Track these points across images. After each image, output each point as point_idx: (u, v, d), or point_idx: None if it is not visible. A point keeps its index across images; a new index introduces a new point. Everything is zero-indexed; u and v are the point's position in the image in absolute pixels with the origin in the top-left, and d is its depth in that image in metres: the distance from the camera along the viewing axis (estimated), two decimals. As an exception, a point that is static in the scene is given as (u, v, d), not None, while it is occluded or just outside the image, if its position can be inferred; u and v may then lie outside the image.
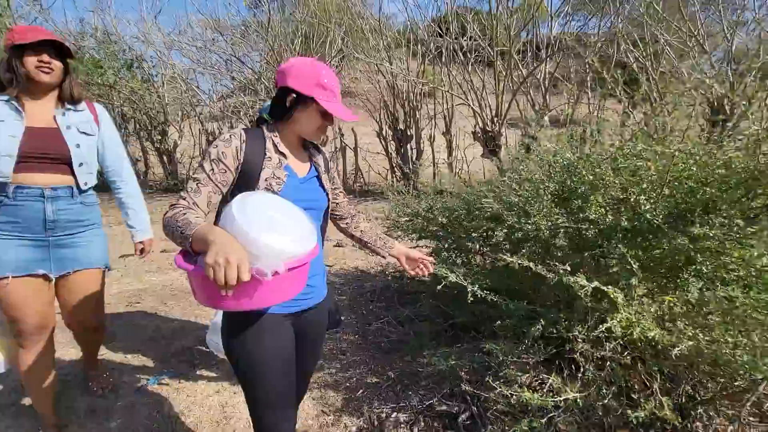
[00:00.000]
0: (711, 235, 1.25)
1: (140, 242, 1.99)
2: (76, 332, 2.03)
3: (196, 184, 1.15)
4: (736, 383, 1.37)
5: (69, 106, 1.74)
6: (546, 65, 5.92)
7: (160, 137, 8.29)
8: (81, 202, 1.78)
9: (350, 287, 3.39)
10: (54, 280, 1.77)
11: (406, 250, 1.48)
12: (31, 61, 1.59)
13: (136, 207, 1.98)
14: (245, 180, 1.19)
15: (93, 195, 1.86)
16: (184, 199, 1.13)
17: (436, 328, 2.30)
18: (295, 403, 1.41)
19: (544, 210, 1.59)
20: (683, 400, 1.50)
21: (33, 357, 1.79)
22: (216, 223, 1.08)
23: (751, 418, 1.48)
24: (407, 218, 2.29)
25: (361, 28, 6.94)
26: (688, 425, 1.47)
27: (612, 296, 1.27)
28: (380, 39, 6.64)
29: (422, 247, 2.52)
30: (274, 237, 0.96)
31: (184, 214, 1.06)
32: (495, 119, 5.96)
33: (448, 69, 6.51)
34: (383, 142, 7.20)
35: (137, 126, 8.32)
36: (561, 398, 1.38)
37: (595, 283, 1.27)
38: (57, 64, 1.65)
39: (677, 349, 1.20)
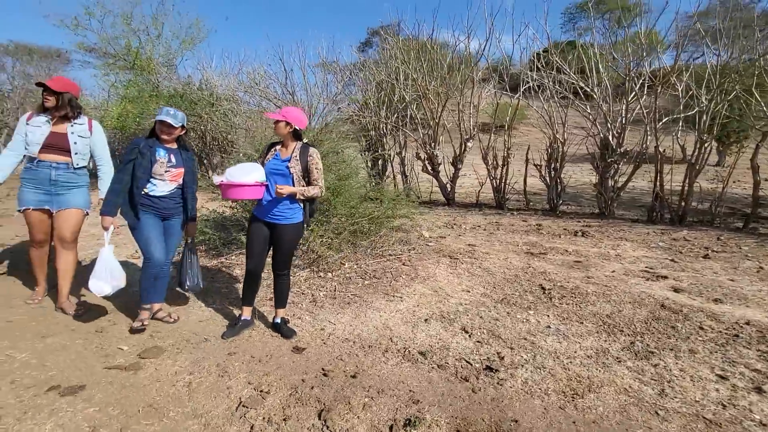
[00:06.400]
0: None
1: (101, 198, 2.91)
2: (59, 248, 3.03)
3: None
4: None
5: (75, 122, 2.98)
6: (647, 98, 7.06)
7: (228, 149, 12.30)
8: (74, 172, 2.96)
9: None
10: (53, 213, 2.95)
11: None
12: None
13: (104, 180, 3.08)
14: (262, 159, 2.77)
15: (83, 170, 3.06)
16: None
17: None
18: (265, 260, 2.83)
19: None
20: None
21: (37, 253, 3.16)
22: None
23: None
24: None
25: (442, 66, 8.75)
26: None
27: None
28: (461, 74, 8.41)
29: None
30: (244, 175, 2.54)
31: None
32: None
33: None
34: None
35: (214, 140, 12.38)
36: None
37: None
38: (51, 99, 2.87)
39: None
